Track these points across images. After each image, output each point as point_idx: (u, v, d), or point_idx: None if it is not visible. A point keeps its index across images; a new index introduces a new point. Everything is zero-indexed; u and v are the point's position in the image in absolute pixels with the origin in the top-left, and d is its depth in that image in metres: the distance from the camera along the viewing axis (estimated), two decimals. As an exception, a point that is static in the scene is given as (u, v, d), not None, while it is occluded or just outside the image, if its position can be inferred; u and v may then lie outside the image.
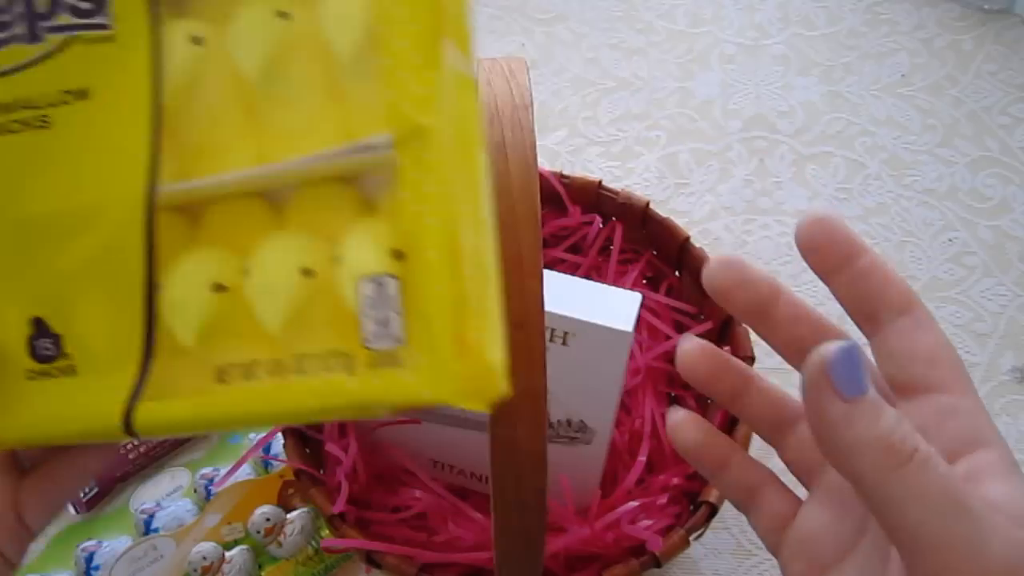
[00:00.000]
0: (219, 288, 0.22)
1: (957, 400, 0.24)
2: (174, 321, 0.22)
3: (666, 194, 0.66)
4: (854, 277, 0.25)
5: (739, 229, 0.63)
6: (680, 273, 0.52)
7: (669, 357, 0.52)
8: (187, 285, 0.22)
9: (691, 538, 0.40)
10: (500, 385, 0.21)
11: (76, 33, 0.22)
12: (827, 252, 0.25)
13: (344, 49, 0.21)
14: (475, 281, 0.21)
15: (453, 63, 0.21)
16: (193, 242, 0.22)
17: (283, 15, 0.22)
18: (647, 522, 0.43)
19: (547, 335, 0.39)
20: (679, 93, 0.72)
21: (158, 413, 0.22)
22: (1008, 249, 0.61)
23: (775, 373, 0.57)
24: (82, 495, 0.52)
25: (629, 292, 0.40)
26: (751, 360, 0.46)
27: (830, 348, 0.21)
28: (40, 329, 0.23)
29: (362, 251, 0.21)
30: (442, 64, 0.21)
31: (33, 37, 0.23)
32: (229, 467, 0.52)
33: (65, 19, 0.22)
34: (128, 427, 0.22)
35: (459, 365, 0.20)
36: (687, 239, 0.50)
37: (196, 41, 0.22)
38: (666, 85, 0.72)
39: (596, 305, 0.39)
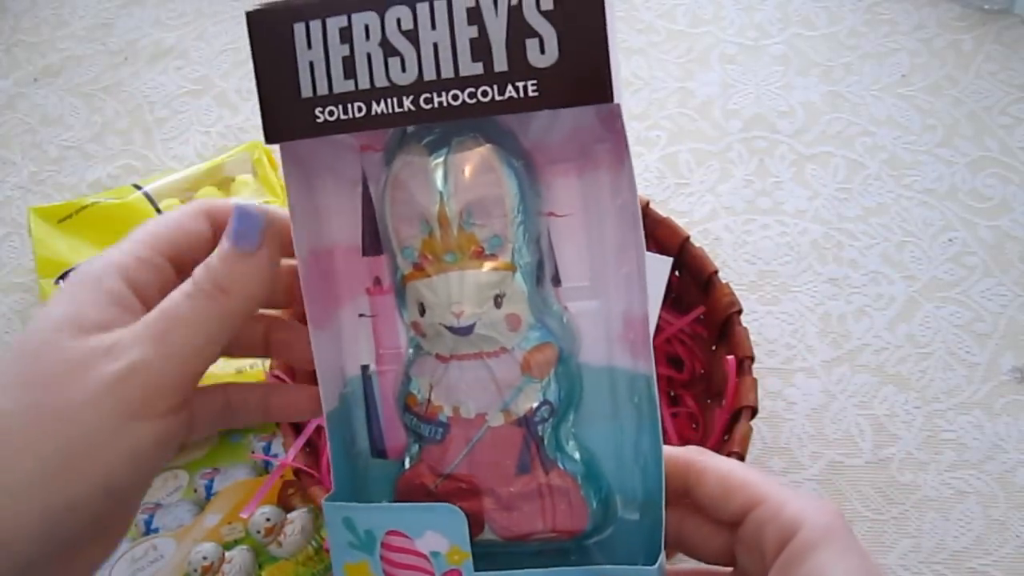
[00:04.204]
0: None
1: None
2: None
3: (666, 194, 0.66)
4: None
5: (739, 229, 0.63)
6: (680, 273, 0.52)
7: (669, 357, 0.52)
8: None
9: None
10: None
11: None
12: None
13: None
14: None
15: None
16: None
17: None
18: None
19: None
20: (679, 93, 0.72)
21: None
22: (1008, 249, 0.61)
23: (775, 373, 0.57)
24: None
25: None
26: (751, 360, 0.46)
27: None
28: None
29: None
30: None
31: None
32: (229, 467, 0.53)
33: None
34: None
35: None
36: (687, 239, 0.50)
37: None
38: (666, 85, 0.72)
39: None
